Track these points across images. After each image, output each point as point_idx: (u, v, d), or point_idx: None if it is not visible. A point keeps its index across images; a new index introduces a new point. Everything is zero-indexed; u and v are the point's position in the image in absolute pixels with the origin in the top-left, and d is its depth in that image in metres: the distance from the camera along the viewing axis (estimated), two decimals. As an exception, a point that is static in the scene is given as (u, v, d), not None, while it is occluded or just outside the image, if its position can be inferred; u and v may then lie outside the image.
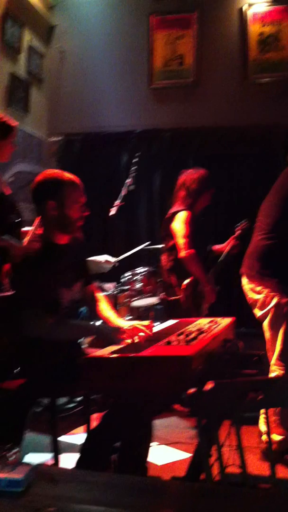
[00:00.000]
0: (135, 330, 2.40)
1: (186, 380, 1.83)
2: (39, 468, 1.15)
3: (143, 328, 2.44)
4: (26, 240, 3.19)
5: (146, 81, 5.65)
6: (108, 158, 5.74)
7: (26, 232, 3.28)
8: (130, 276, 4.54)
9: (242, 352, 2.52)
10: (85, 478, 1.15)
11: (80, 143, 5.85)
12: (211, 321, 2.72)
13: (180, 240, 3.94)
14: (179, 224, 3.97)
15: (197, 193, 4.06)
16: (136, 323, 2.52)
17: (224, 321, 2.71)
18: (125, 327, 2.44)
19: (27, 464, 1.08)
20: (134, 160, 4.18)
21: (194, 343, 2.07)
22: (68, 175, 2.57)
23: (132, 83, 5.70)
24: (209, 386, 1.60)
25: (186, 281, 3.99)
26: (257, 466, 2.92)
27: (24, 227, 3.34)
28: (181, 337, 2.22)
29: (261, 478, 2.74)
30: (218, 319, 2.74)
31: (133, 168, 4.15)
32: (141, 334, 2.41)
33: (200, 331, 2.36)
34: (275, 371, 3.13)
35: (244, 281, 3.28)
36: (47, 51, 5.87)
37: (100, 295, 2.81)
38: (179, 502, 1.08)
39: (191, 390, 1.56)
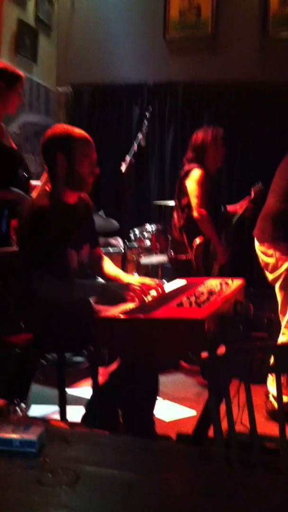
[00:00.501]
0: (145, 287, 2.38)
1: (197, 343, 1.82)
2: (51, 429, 1.15)
3: (153, 285, 2.42)
4: (34, 194, 3.15)
5: (161, 31, 5.43)
6: (118, 112, 5.61)
7: (35, 186, 3.24)
8: (139, 233, 4.51)
9: (253, 315, 2.51)
10: (97, 440, 1.15)
11: (90, 95, 5.70)
12: (221, 282, 2.69)
13: (193, 200, 3.91)
14: (192, 182, 3.92)
15: (212, 151, 3.98)
16: (146, 280, 2.50)
17: (235, 283, 2.69)
18: (134, 283, 2.42)
19: (40, 425, 1.07)
20: (146, 115, 4.07)
21: (206, 305, 2.05)
22: (80, 131, 2.51)
23: (146, 33, 5.49)
24: (221, 350, 1.59)
25: (198, 240, 3.96)
26: (263, 425, 2.95)
27: (32, 181, 3.30)
28: (192, 298, 2.20)
29: (268, 437, 2.78)
30: (229, 280, 2.72)
31: (145, 124, 4.05)
32: (152, 292, 2.40)
33: (211, 293, 2.34)
34: (285, 334, 3.12)
35: (257, 243, 3.24)
36: (56, -2, 5.67)
37: (105, 257, 2.80)
38: (190, 467, 1.07)
39: (204, 354, 1.54)
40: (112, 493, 0.91)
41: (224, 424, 1.51)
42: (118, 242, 4.75)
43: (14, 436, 1.01)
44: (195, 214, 3.90)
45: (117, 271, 2.72)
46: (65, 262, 2.47)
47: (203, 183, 3.91)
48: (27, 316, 2.70)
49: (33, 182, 3.30)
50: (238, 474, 1.05)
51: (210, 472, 1.06)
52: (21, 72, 3.13)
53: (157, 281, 2.59)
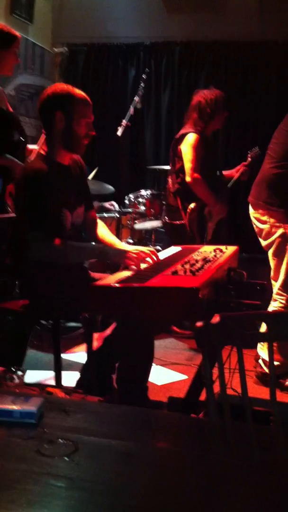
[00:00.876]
0: (140, 255, 2.39)
1: (192, 311, 1.84)
2: (50, 399, 1.17)
3: (149, 253, 2.43)
4: (30, 158, 3.12)
5: (158, -11, 5.29)
6: (114, 72, 5.51)
7: (31, 150, 3.21)
8: (134, 198, 4.49)
9: (246, 282, 2.53)
10: (95, 409, 1.17)
11: (85, 55, 5.59)
12: (215, 249, 2.70)
13: (187, 164, 3.85)
14: (187, 147, 3.87)
15: (210, 116, 3.91)
16: (141, 248, 2.51)
17: (229, 250, 2.70)
18: (130, 251, 2.43)
19: (39, 396, 1.09)
20: (143, 78, 3.99)
21: (200, 273, 2.06)
22: (80, 91, 2.49)
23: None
24: (215, 319, 1.61)
25: (192, 205, 3.94)
26: (252, 389, 3.02)
27: (28, 145, 3.26)
28: (187, 266, 2.21)
29: (258, 400, 2.85)
30: (223, 247, 2.73)
31: (141, 86, 3.98)
32: (148, 259, 2.42)
33: (206, 260, 2.35)
34: (276, 300, 3.16)
35: (251, 209, 3.24)
36: None
37: (100, 221, 2.79)
38: (185, 435, 1.10)
39: (198, 324, 1.56)
40: (109, 463, 0.93)
41: (215, 388, 1.55)
42: (114, 206, 4.74)
43: (14, 407, 1.03)
44: (187, 178, 3.85)
45: (112, 238, 2.72)
46: (59, 222, 2.47)
47: (198, 148, 3.86)
48: (22, 282, 2.72)
49: (30, 146, 3.27)
50: (232, 443, 1.08)
51: (203, 440, 1.09)
52: (17, 33, 3.06)
53: (151, 248, 2.60)
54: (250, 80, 5.17)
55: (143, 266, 2.37)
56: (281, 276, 3.13)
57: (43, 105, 2.49)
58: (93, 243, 3.13)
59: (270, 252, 3.17)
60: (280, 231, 3.09)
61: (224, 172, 4.26)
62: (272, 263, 3.19)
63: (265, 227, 3.15)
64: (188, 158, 3.85)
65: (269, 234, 3.15)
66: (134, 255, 2.36)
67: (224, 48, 5.21)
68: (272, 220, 3.12)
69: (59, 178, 2.49)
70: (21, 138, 3.11)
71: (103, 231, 2.75)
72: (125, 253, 2.39)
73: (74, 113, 2.43)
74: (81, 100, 2.46)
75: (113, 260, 2.50)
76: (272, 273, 3.20)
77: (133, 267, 2.34)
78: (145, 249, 2.50)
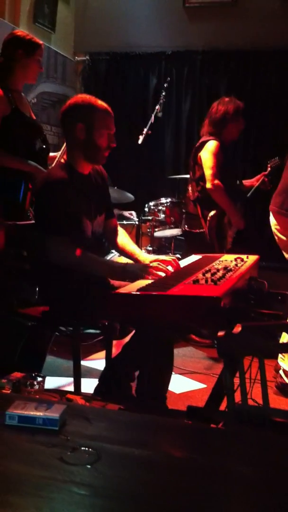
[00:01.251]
0: (160, 268, 2.37)
1: (214, 320, 1.84)
2: (72, 406, 1.17)
3: (170, 261, 2.43)
4: (51, 167, 3.15)
5: (180, -1, 5.32)
6: (136, 80, 5.54)
7: (53, 157, 3.23)
8: (154, 206, 4.50)
9: (267, 291, 2.52)
10: (117, 418, 1.17)
11: (107, 64, 5.63)
12: (236, 258, 2.69)
13: (207, 171, 3.85)
14: (207, 154, 3.86)
15: (229, 124, 3.91)
16: (162, 257, 2.51)
17: (250, 259, 2.69)
18: (149, 263, 2.42)
19: (62, 403, 1.09)
20: (164, 86, 4.01)
21: (221, 282, 2.05)
22: (102, 102, 2.50)
23: (165, 1, 5.39)
24: (237, 329, 1.60)
25: (212, 213, 3.94)
26: (271, 400, 2.99)
27: (50, 152, 3.29)
28: (208, 275, 2.20)
29: (277, 411, 2.82)
30: (243, 257, 2.71)
31: (162, 94, 3.99)
32: (169, 267, 2.40)
33: (227, 269, 2.34)
34: None
35: (272, 219, 3.22)
36: None
37: (121, 229, 2.79)
38: (207, 445, 1.09)
39: (220, 333, 1.55)
40: (132, 472, 0.93)
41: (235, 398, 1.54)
42: (133, 215, 4.75)
43: (37, 413, 1.03)
44: (208, 185, 3.83)
45: (133, 247, 2.71)
46: (79, 232, 2.47)
47: (218, 155, 3.85)
48: (42, 289, 2.73)
49: (51, 154, 3.30)
50: (254, 452, 1.07)
51: (224, 450, 1.09)
52: (40, 41, 3.09)
53: (172, 256, 2.60)
54: (272, 89, 5.15)
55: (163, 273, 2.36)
56: None
57: (64, 116, 2.50)
58: (115, 255, 3.13)
59: None
60: None
61: (244, 182, 4.25)
62: None
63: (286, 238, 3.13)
64: (209, 164, 3.84)
65: None
66: (154, 270, 2.35)
67: (246, 57, 5.21)
68: None
69: (79, 187, 2.49)
70: (43, 146, 3.13)
71: (124, 240, 2.74)
72: (146, 269, 2.36)
73: (96, 124, 2.43)
74: (102, 112, 2.46)
75: (136, 274, 2.46)
76: None
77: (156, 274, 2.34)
78: (166, 257, 2.50)
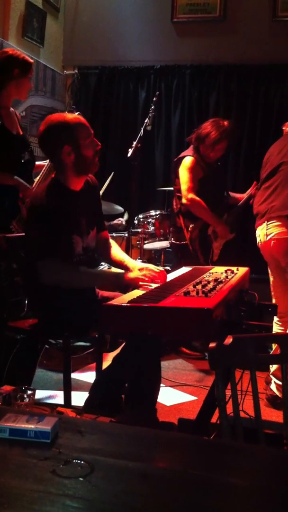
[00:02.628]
0: (150, 278, 2.41)
1: (205, 332, 1.84)
2: (64, 419, 1.16)
3: (155, 274, 2.44)
4: (37, 181, 3.19)
5: (169, 14, 5.36)
6: (125, 94, 5.56)
7: (39, 166, 3.30)
8: (143, 219, 4.51)
9: (258, 303, 2.52)
10: (109, 430, 1.16)
11: (96, 77, 5.65)
12: (226, 270, 2.70)
13: (183, 186, 3.95)
14: (182, 170, 3.97)
15: (213, 144, 3.95)
16: (151, 266, 2.53)
17: (240, 271, 2.70)
18: (139, 269, 2.47)
19: (54, 415, 1.08)
20: (153, 100, 4.04)
21: (212, 294, 2.06)
22: (70, 115, 2.50)
23: (153, 16, 5.43)
24: (228, 340, 1.60)
25: (192, 225, 3.99)
26: (262, 412, 2.98)
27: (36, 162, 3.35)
28: (199, 287, 2.21)
29: (269, 423, 2.82)
30: (234, 269, 2.73)
31: (151, 108, 4.02)
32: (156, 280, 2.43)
33: (218, 281, 2.35)
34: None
35: (273, 227, 3.24)
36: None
37: (112, 242, 2.80)
38: (205, 459, 1.09)
39: (211, 345, 1.55)
40: (126, 484, 0.92)
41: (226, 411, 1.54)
42: (121, 221, 4.76)
43: (29, 426, 1.02)
44: (183, 200, 3.93)
45: (122, 255, 2.74)
46: (69, 249, 2.48)
47: (194, 170, 3.93)
48: (32, 301, 2.72)
49: (37, 162, 3.35)
50: (245, 463, 1.07)
51: (219, 461, 1.08)
52: (30, 58, 3.18)
53: (161, 268, 2.61)
54: (261, 103, 5.20)
55: (154, 285, 2.37)
56: None
57: (45, 143, 2.47)
58: (105, 266, 3.12)
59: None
60: None
61: (235, 195, 4.29)
62: None
63: None
64: (184, 180, 3.95)
65: None
66: (146, 278, 2.39)
67: (235, 71, 5.25)
68: None
69: (70, 205, 2.50)
70: (29, 158, 3.17)
71: (114, 250, 2.76)
72: (138, 277, 2.42)
73: (80, 141, 2.42)
74: (77, 124, 2.45)
75: (126, 283, 2.49)
76: None
77: (146, 286, 2.35)
78: (155, 268, 2.51)
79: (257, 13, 5.18)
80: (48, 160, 3.25)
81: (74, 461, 0.96)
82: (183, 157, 4.00)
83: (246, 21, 5.22)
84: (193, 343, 4.09)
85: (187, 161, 3.96)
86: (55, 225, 2.39)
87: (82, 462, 0.96)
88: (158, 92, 4.41)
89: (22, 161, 3.12)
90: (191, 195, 3.89)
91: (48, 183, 2.53)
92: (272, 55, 5.11)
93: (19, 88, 3.09)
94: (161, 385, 3.08)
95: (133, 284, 2.39)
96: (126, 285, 2.41)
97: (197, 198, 3.89)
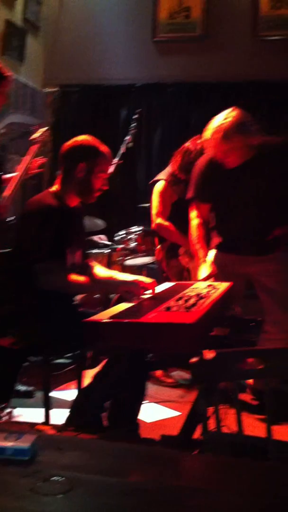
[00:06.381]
0: (140, 285, 2.47)
1: (186, 347, 1.83)
2: (43, 436, 1.14)
3: (147, 285, 2.48)
4: (6, 194, 3.18)
5: (150, 32, 5.42)
6: (106, 112, 5.59)
7: (9, 179, 3.28)
8: (125, 235, 4.50)
9: (240, 318, 2.53)
10: (89, 447, 1.14)
11: (78, 95, 5.67)
12: (209, 285, 2.70)
13: (152, 211, 4.02)
14: (154, 194, 4.02)
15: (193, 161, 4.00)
16: (140, 278, 2.56)
17: (222, 286, 2.70)
18: (130, 281, 2.53)
19: (33, 433, 1.06)
20: (134, 116, 4.07)
21: (194, 310, 2.05)
22: (105, 147, 2.62)
23: (134, 34, 5.48)
24: (210, 355, 1.59)
25: (159, 246, 4.10)
26: (247, 425, 2.97)
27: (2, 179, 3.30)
28: (180, 302, 2.20)
29: (251, 438, 2.80)
30: (216, 284, 2.73)
31: (133, 125, 4.05)
32: (147, 292, 2.45)
33: (200, 296, 2.34)
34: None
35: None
36: (45, -2, 5.64)
37: (95, 263, 2.86)
38: (189, 474, 1.07)
39: (193, 360, 1.54)
40: (106, 500, 0.90)
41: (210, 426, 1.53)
42: (102, 239, 4.75)
43: (7, 444, 1.00)
44: (153, 225, 4.02)
45: (109, 272, 2.82)
46: (62, 261, 2.50)
47: (164, 194, 3.99)
48: (13, 318, 2.69)
49: (7, 176, 3.32)
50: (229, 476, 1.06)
51: (202, 477, 1.07)
52: (7, 71, 3.10)
53: (150, 279, 2.63)
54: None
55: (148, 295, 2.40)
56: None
57: (68, 152, 2.59)
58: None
59: None
60: None
61: None
62: None
63: None
64: (154, 204, 4.03)
65: None
66: (134, 286, 2.47)
67: (216, 89, 5.30)
68: None
69: (66, 218, 2.56)
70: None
71: (100, 270, 2.82)
72: (126, 283, 2.53)
73: (96, 168, 2.56)
74: (105, 156, 2.60)
75: (120, 289, 2.54)
76: None
77: (133, 299, 2.38)
78: (145, 279, 2.58)
79: (238, 31, 5.25)
80: (18, 173, 3.24)
81: (54, 478, 0.94)
82: (156, 181, 4.07)
83: (227, 39, 5.28)
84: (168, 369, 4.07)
85: (158, 186, 4.03)
86: (54, 232, 2.43)
87: (62, 479, 0.94)
88: (139, 110, 4.45)
89: None
90: (158, 220, 3.98)
91: (46, 193, 2.62)
92: (254, 73, 5.16)
93: None
94: (144, 401, 3.06)
95: (129, 294, 2.43)
96: (120, 290, 2.46)
97: (165, 223, 3.96)
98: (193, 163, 3.87)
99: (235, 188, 3.00)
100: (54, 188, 2.61)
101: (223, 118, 2.90)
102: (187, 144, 4.00)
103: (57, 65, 5.69)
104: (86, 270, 2.77)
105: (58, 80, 5.70)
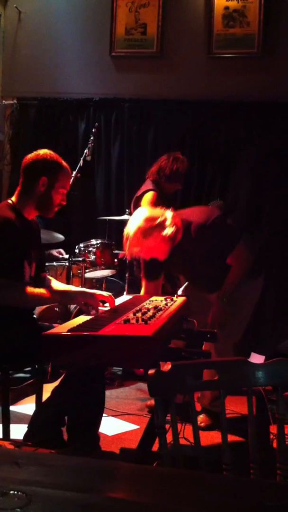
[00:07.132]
0: (98, 297, 2.49)
1: (144, 359, 1.85)
2: (2, 451, 1.14)
3: (105, 298, 2.51)
4: None
5: (107, 48, 5.48)
6: (65, 125, 5.60)
7: None
8: (84, 247, 4.52)
9: (197, 330, 2.57)
10: (48, 461, 1.14)
11: (36, 108, 5.66)
12: (166, 298, 2.74)
13: None
14: (144, 204, 4.04)
15: (171, 180, 4.14)
16: (98, 292, 2.58)
17: (179, 299, 2.75)
18: (88, 292, 2.55)
19: (-9, 448, 1.06)
20: (92, 131, 4.10)
21: (152, 322, 2.08)
22: (65, 163, 2.65)
23: (92, 49, 5.53)
24: (167, 367, 1.62)
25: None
26: (204, 436, 3.01)
27: None
28: (138, 314, 2.23)
29: (208, 449, 2.84)
30: (173, 297, 2.77)
31: (91, 139, 4.08)
32: (105, 304, 2.48)
33: (157, 309, 2.38)
34: None
35: None
36: (3, 11, 5.62)
37: (51, 278, 2.87)
38: (147, 488, 1.09)
39: (150, 372, 1.57)
40: (65, 515, 0.91)
41: (167, 438, 1.55)
42: (61, 253, 4.75)
43: None
44: None
45: (65, 285, 2.84)
46: (20, 273, 2.48)
47: (156, 204, 4.01)
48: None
49: None
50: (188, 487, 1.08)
51: (160, 489, 1.09)
52: None
53: (107, 292, 2.66)
54: (198, 136, 5.34)
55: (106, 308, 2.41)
56: None
57: (30, 165, 2.59)
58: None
59: None
60: None
61: None
62: None
63: None
64: None
65: None
66: (93, 298, 2.48)
67: (172, 106, 5.36)
68: None
69: (23, 230, 2.55)
70: None
71: (56, 284, 2.81)
72: (83, 293, 2.54)
73: (57, 182, 2.57)
74: (66, 172, 2.63)
75: (79, 299, 2.53)
76: None
77: (91, 311, 2.40)
78: (103, 292, 2.62)
79: (192, 49, 5.36)
80: None
81: (11, 492, 0.94)
82: (145, 192, 4.12)
83: (182, 57, 5.39)
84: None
85: (149, 196, 4.08)
86: (11, 245, 2.42)
87: (19, 493, 0.94)
88: (97, 124, 4.48)
89: None
90: None
91: (3, 205, 2.59)
92: (208, 91, 5.27)
93: None
94: (104, 415, 3.07)
95: (87, 306, 2.44)
96: (77, 300, 2.50)
97: None
98: (178, 174, 4.00)
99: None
100: (11, 200, 2.60)
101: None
102: (166, 158, 4.12)
103: (15, 77, 5.68)
104: (43, 283, 2.77)
105: (16, 93, 5.69)
